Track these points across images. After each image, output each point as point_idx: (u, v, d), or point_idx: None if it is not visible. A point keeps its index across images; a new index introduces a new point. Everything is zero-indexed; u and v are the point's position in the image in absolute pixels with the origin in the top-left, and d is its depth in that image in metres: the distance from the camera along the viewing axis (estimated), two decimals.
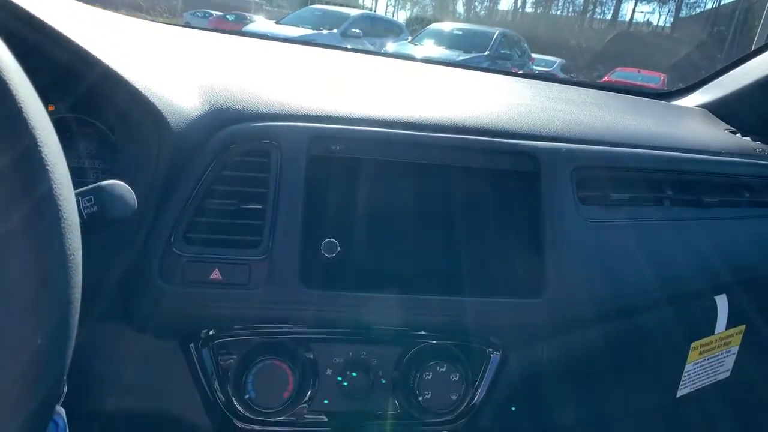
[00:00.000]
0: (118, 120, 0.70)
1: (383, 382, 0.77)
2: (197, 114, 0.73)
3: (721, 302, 1.02)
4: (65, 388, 0.62)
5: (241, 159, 0.73)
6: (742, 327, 1.09)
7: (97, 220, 0.53)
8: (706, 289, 0.98)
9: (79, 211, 0.52)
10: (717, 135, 1.17)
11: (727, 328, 1.06)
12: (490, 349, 0.80)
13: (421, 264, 0.76)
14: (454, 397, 0.76)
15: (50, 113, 0.74)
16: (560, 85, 1.34)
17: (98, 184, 0.53)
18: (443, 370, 0.76)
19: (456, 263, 0.76)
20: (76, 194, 0.53)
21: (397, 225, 0.76)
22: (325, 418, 0.76)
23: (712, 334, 1.05)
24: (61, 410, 0.65)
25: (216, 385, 0.73)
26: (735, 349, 1.12)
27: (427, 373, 0.75)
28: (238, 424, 0.75)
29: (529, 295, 0.77)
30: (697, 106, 1.36)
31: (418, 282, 0.74)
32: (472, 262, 0.77)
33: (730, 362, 1.13)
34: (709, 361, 1.09)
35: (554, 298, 0.77)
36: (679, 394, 1.08)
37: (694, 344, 1.03)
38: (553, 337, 0.85)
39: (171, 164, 0.69)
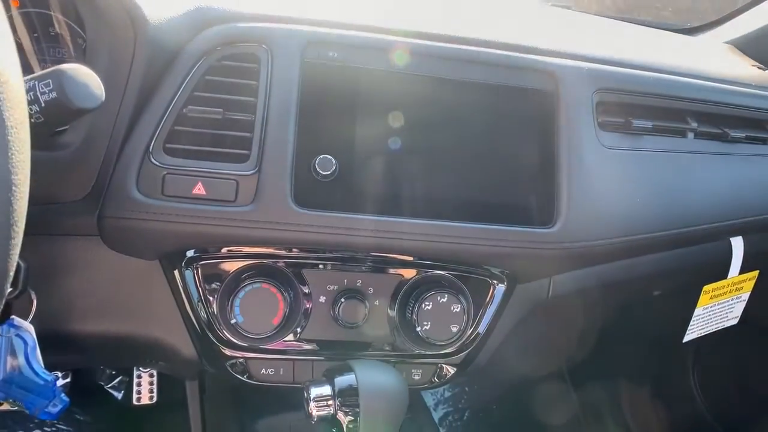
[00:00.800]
0: (90, 15, 0.61)
1: (379, 312, 0.72)
2: (179, 11, 0.65)
3: (737, 245, 0.97)
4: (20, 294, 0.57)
5: (228, 63, 0.65)
6: (756, 273, 1.05)
7: (58, 108, 0.46)
8: (723, 230, 0.92)
9: (35, 97, 0.46)
10: (744, 69, 1.09)
11: (740, 273, 1.01)
12: (495, 282, 0.75)
13: (424, 188, 0.69)
14: (454, 329, 0.71)
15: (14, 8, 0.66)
16: (583, 13, 1.25)
17: (58, 67, 0.46)
18: (444, 300, 0.71)
19: (463, 188, 0.70)
20: (32, 78, 0.46)
21: (400, 145, 0.69)
22: (318, 348, 0.72)
23: (725, 278, 1.00)
24: (30, 327, 0.60)
25: (200, 309, 0.68)
26: (746, 296, 1.08)
27: (427, 303, 0.70)
28: (226, 351, 0.70)
29: (541, 225, 0.72)
30: (723, 42, 1.27)
31: (420, 206, 0.68)
32: (480, 188, 0.71)
33: (739, 309, 1.09)
34: (719, 307, 1.05)
35: (566, 228, 0.72)
36: (686, 339, 1.05)
37: (705, 288, 0.99)
38: (562, 271, 0.80)
39: (149, 66, 0.62)
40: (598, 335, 1.24)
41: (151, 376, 1.47)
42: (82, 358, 0.87)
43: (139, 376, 1.47)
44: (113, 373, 1.56)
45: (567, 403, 1.74)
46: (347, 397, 0.57)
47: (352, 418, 0.57)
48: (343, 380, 0.58)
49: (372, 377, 0.58)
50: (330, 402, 0.58)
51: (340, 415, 0.57)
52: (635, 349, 1.56)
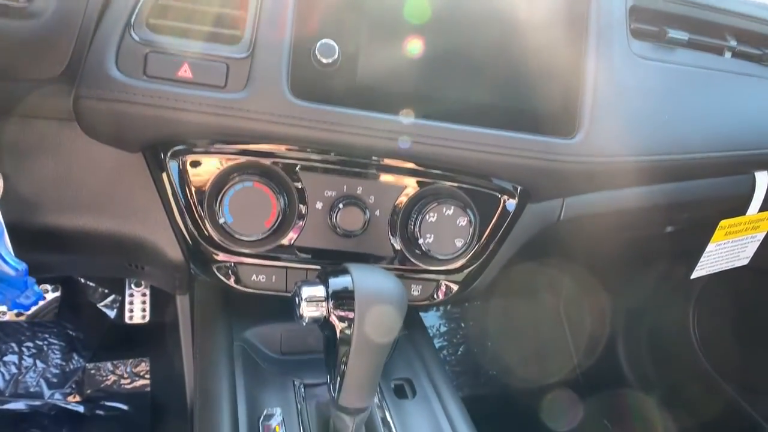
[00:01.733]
0: None
1: (380, 222, 0.67)
2: None
3: (762, 180, 0.91)
4: None
5: None
6: None
7: None
8: (750, 161, 0.86)
9: None
10: None
11: (759, 211, 0.96)
12: (505, 197, 0.70)
13: (436, 86, 0.63)
14: (458, 244, 0.67)
15: None
16: None
17: None
18: (450, 213, 0.66)
19: (479, 89, 0.64)
20: None
21: (412, 36, 0.62)
22: (312, 257, 0.68)
23: (743, 214, 0.95)
24: None
25: (186, 207, 0.63)
26: (761, 236, 1.04)
27: (431, 215, 0.65)
28: (214, 254, 0.66)
29: (561, 135, 0.66)
30: None
31: (431, 107, 0.62)
32: (498, 90, 0.64)
33: (752, 249, 1.05)
34: (732, 244, 1.00)
35: (587, 141, 0.66)
36: (694, 275, 1.01)
37: (722, 223, 0.94)
38: (577, 192, 0.74)
39: None
40: (602, 267, 1.21)
41: (144, 295, 1.45)
42: (64, 260, 0.83)
43: (132, 295, 1.45)
44: (105, 291, 1.54)
45: (561, 340, 1.74)
46: (341, 300, 0.53)
47: (346, 323, 0.53)
48: (337, 282, 0.54)
49: (369, 281, 0.54)
50: (323, 304, 0.54)
51: (333, 319, 0.53)
52: (638, 285, 1.54)
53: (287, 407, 0.63)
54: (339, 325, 0.54)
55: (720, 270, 1.03)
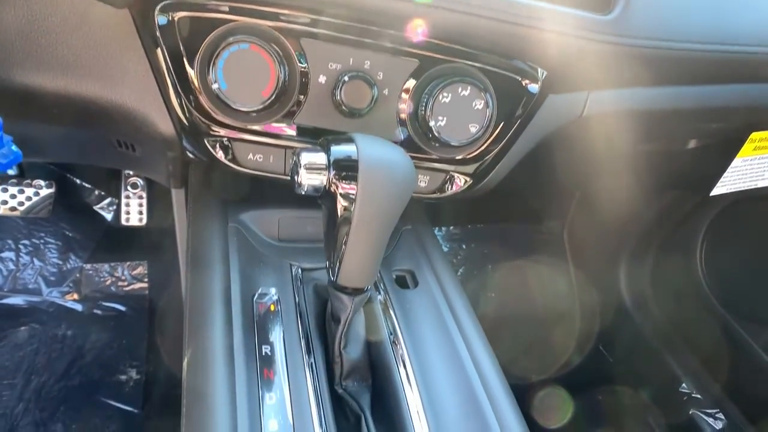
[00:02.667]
0: None
1: (389, 100, 0.61)
2: None
3: None
4: None
5: None
6: None
7: None
8: None
9: None
10: None
11: None
12: (527, 81, 0.64)
13: None
14: (473, 129, 0.62)
15: None
16: None
17: None
18: (466, 94, 0.60)
19: None
20: None
21: None
22: (314, 137, 0.62)
23: None
24: None
25: (177, 71, 0.57)
26: None
27: (445, 95, 0.60)
28: (209, 129, 0.61)
29: (595, 10, 0.59)
30: None
31: None
32: None
33: None
34: (759, 162, 0.95)
35: (623, 18, 0.59)
36: (714, 192, 0.96)
37: (753, 135, 0.88)
38: (605, 84, 0.68)
39: None
40: (611, 190, 1.16)
41: (140, 197, 1.42)
42: (52, 137, 0.78)
43: (128, 197, 1.42)
44: (101, 194, 1.51)
45: (562, 267, 1.73)
46: (344, 169, 0.49)
47: (347, 195, 0.49)
48: (340, 150, 0.49)
49: (375, 150, 0.49)
50: (324, 172, 0.49)
51: (334, 189, 0.49)
52: (647, 213, 1.50)
53: (283, 289, 0.60)
54: (340, 197, 0.50)
55: (741, 189, 0.99)
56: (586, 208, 1.66)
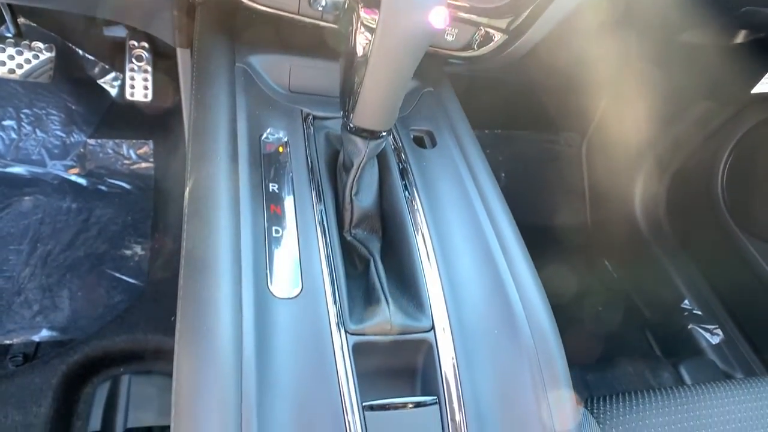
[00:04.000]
0: None
1: None
2: None
3: None
4: None
5: None
6: None
7: None
8: None
9: None
10: None
11: None
12: None
13: None
14: None
15: None
16: None
17: None
18: None
19: None
20: None
21: None
22: None
23: None
24: None
25: None
26: None
27: None
28: None
29: None
30: None
31: None
32: None
33: None
34: None
35: None
36: (756, 90, 0.90)
37: None
38: None
39: None
40: (650, 78, 1.09)
41: (145, 71, 1.36)
42: None
43: (132, 70, 1.35)
44: (105, 67, 1.44)
45: (577, 178, 1.68)
46: None
47: (367, 30, 0.43)
48: None
49: None
50: None
51: (353, 5, 0.44)
52: (673, 124, 1.44)
53: (293, 133, 0.56)
54: (362, 26, 0.44)
55: None
56: (608, 121, 1.59)
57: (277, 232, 0.48)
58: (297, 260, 0.46)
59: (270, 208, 0.49)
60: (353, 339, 0.43)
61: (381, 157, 0.57)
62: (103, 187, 1.37)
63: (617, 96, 1.47)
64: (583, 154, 1.70)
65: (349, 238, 0.54)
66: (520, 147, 1.68)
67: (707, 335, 1.38)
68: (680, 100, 1.36)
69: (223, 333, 0.39)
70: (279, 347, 0.41)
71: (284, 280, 0.45)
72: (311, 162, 0.56)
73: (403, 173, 0.58)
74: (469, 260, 0.52)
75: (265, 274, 0.44)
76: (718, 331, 1.38)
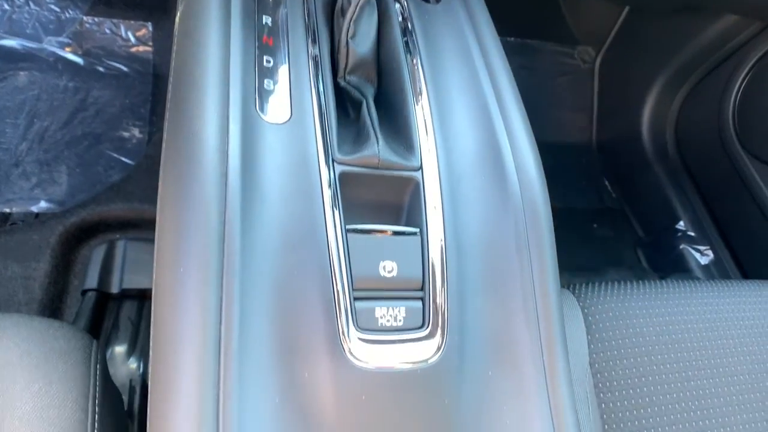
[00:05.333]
0: None
1: None
2: None
3: None
4: None
5: None
6: None
7: None
8: None
9: None
10: None
11: None
12: None
13: None
14: None
15: None
16: None
17: None
18: None
19: None
20: None
21: None
22: None
23: None
24: None
25: None
26: None
27: None
28: None
29: None
30: None
31: None
32: None
33: None
34: None
35: None
36: None
37: None
38: None
39: None
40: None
41: None
42: None
43: None
44: None
45: (587, 89, 1.64)
46: None
47: None
48: None
49: None
50: None
51: None
52: (702, 30, 1.38)
53: None
54: None
55: None
56: (626, 34, 1.53)
57: (268, 61, 0.46)
58: (287, 89, 0.45)
59: (262, 38, 0.48)
60: (340, 168, 0.43)
61: (381, 5, 0.55)
62: (100, 68, 1.34)
63: (639, 5, 1.40)
64: (596, 70, 1.65)
65: (342, 83, 0.52)
66: (532, 58, 1.62)
67: (697, 255, 1.40)
68: (705, 11, 1.30)
69: (208, 144, 0.39)
70: (264, 168, 0.41)
71: (273, 107, 0.44)
72: (307, 4, 0.53)
73: (404, 28, 0.56)
74: (464, 112, 0.51)
75: (254, 98, 0.44)
76: (709, 252, 1.40)
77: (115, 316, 0.87)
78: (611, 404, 0.66)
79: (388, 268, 0.42)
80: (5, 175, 1.14)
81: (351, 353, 0.38)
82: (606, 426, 0.64)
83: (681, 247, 1.42)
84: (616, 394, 0.66)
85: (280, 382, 0.36)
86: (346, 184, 0.43)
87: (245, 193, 0.39)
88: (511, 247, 0.47)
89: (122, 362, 0.83)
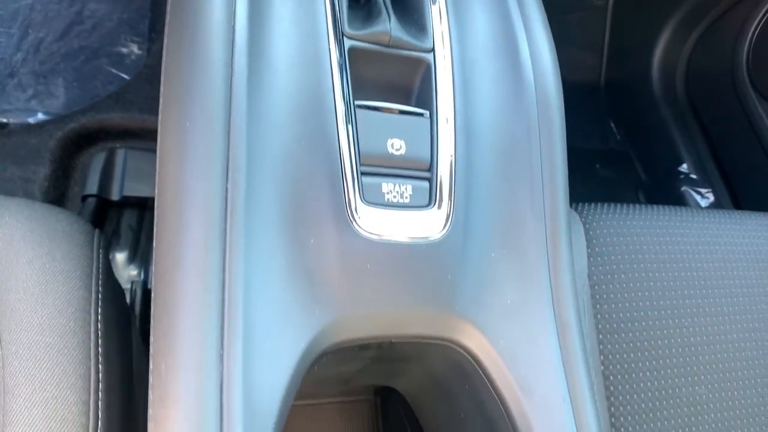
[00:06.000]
0: None
1: None
2: None
3: None
4: None
5: None
6: None
7: None
8: None
9: None
10: None
11: None
12: None
13: None
14: None
15: None
16: None
17: None
18: None
19: None
20: None
21: None
22: None
23: None
24: None
25: None
26: None
27: None
28: None
29: None
30: None
31: None
32: None
33: None
34: None
35: None
36: None
37: None
38: None
39: None
40: None
41: None
42: None
43: None
44: None
45: (598, 30, 1.60)
46: None
47: None
48: None
49: None
50: None
51: None
52: None
53: None
54: None
55: None
56: None
57: None
58: None
59: None
60: (349, 42, 0.42)
61: None
62: None
63: None
64: (609, 7, 1.59)
65: None
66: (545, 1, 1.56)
67: (698, 197, 1.40)
68: None
69: (215, 4, 0.38)
70: (272, 36, 0.40)
71: None
72: None
73: None
74: (481, 6, 0.49)
75: None
76: (710, 194, 1.40)
77: (116, 224, 0.87)
78: (607, 315, 0.67)
79: (396, 146, 0.41)
80: (1, 86, 1.11)
81: (357, 224, 0.38)
82: (600, 336, 0.66)
83: (682, 189, 1.42)
84: (612, 306, 0.67)
85: (286, 245, 0.36)
86: (355, 60, 0.42)
87: (252, 57, 0.38)
88: (522, 136, 0.46)
89: (123, 268, 0.83)
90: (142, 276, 0.83)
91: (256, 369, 0.32)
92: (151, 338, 0.33)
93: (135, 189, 0.85)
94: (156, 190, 0.35)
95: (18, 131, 0.83)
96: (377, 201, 0.40)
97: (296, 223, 0.37)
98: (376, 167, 0.40)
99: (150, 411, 0.32)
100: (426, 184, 0.42)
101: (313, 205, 0.38)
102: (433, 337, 0.41)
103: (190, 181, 0.34)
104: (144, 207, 0.88)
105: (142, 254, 0.85)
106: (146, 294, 0.81)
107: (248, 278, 0.34)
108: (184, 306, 0.32)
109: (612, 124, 1.61)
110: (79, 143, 0.86)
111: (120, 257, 0.85)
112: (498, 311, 0.41)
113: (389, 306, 0.38)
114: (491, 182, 0.44)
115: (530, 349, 0.41)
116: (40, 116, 1.10)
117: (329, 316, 0.36)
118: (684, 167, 1.45)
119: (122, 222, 0.87)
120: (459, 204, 0.42)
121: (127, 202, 0.86)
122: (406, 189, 0.41)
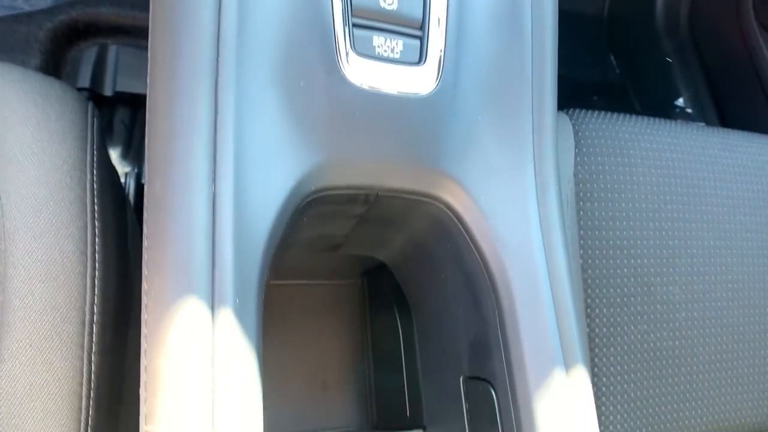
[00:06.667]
0: None
1: None
2: None
3: None
4: None
5: None
6: None
7: None
8: None
9: None
10: None
11: None
12: None
13: None
14: None
15: None
16: None
17: None
18: None
19: None
20: None
21: None
22: None
23: None
24: None
25: None
26: None
27: None
28: None
29: None
30: None
31: None
32: None
33: None
34: None
35: None
36: None
37: None
38: None
39: None
40: None
41: None
42: None
43: None
44: None
45: None
46: None
47: None
48: None
49: None
50: None
51: None
52: None
53: None
54: None
55: None
56: None
57: None
58: None
59: None
60: None
61: None
62: None
63: None
64: None
65: None
66: None
67: None
68: None
69: None
70: None
71: None
72: None
73: None
74: None
75: None
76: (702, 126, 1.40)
77: (108, 120, 0.86)
78: (589, 213, 0.69)
79: (389, 1, 0.41)
80: None
81: (346, 71, 0.39)
82: (581, 231, 0.68)
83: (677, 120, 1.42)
84: (595, 204, 0.69)
85: (276, 84, 0.37)
86: None
87: None
88: (515, 15, 0.46)
89: (116, 164, 0.84)
90: (136, 169, 0.84)
91: (247, 191, 0.33)
92: (146, 161, 0.34)
93: (128, 85, 0.84)
94: (150, 17, 0.35)
95: (6, 20, 0.81)
96: (368, 53, 0.40)
97: (286, 65, 0.38)
98: (368, 20, 0.40)
99: (145, 230, 0.34)
100: (417, 42, 0.42)
101: (303, 50, 0.38)
102: (417, 192, 0.42)
103: (183, 8, 0.34)
104: (137, 104, 0.88)
105: (135, 150, 0.85)
106: (140, 187, 0.82)
107: (239, 108, 0.35)
108: (177, 128, 0.33)
109: (612, 58, 1.59)
110: (69, 36, 0.84)
111: (113, 153, 0.85)
112: (481, 170, 0.42)
113: (376, 155, 0.40)
114: (482, 46, 0.44)
115: (510, 207, 0.42)
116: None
117: (318, 157, 0.38)
118: (680, 101, 1.44)
119: (115, 118, 0.87)
120: (449, 64, 0.42)
121: (119, 99, 0.86)
122: (396, 44, 0.41)
